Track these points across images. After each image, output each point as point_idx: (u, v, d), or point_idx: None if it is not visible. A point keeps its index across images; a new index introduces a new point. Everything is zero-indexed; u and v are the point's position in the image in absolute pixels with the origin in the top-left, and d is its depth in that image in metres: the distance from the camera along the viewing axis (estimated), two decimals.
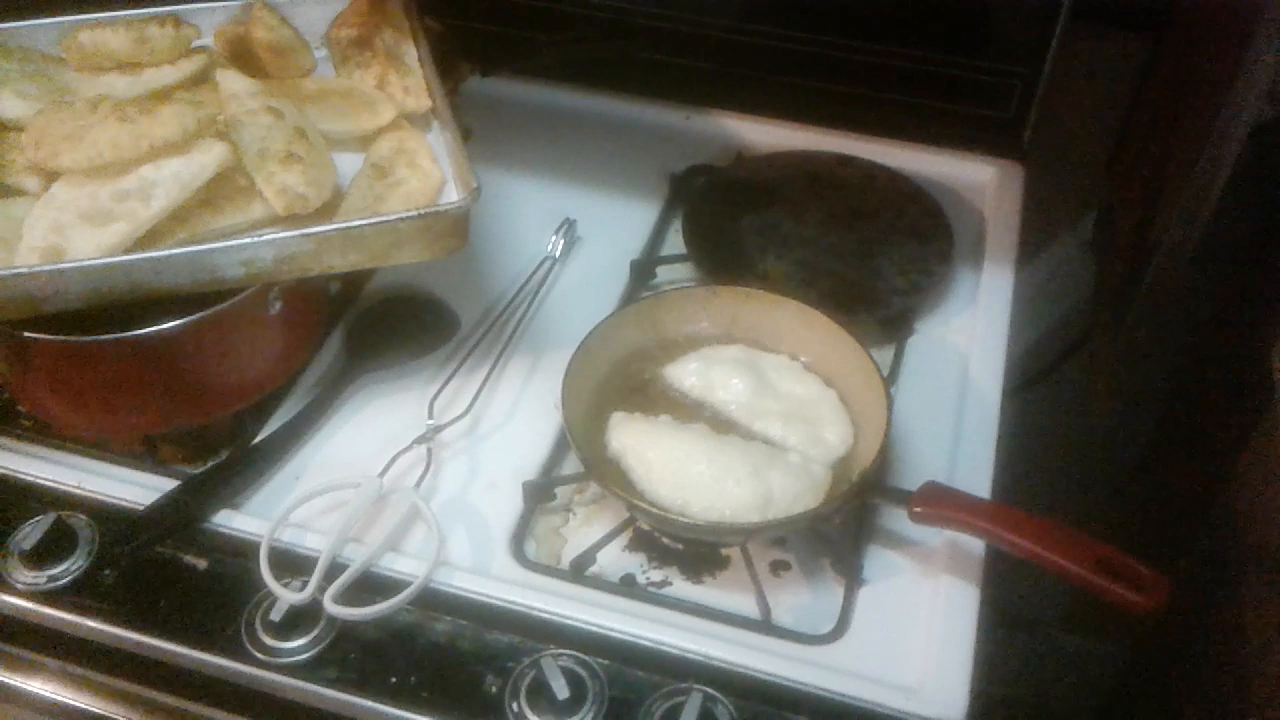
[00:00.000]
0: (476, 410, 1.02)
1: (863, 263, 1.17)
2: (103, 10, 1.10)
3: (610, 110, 1.38)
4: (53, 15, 1.11)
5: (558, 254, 1.17)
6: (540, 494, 0.97)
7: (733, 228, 1.21)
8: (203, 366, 0.95)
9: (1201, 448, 1.29)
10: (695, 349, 1.04)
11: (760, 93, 1.35)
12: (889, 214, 1.22)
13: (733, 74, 1.35)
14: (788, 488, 0.90)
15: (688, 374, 1.02)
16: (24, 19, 1.11)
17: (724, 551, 0.94)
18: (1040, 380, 1.44)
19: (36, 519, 0.91)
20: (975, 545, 0.90)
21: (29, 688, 0.94)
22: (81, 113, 0.94)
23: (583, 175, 1.29)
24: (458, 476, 0.99)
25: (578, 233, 1.21)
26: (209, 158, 0.93)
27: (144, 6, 1.11)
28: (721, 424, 0.99)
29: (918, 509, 0.88)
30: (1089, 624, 1.63)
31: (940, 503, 0.88)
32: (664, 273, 1.18)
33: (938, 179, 1.27)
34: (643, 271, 1.17)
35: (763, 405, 0.99)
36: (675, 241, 1.22)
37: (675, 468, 0.92)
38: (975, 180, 1.29)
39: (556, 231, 1.19)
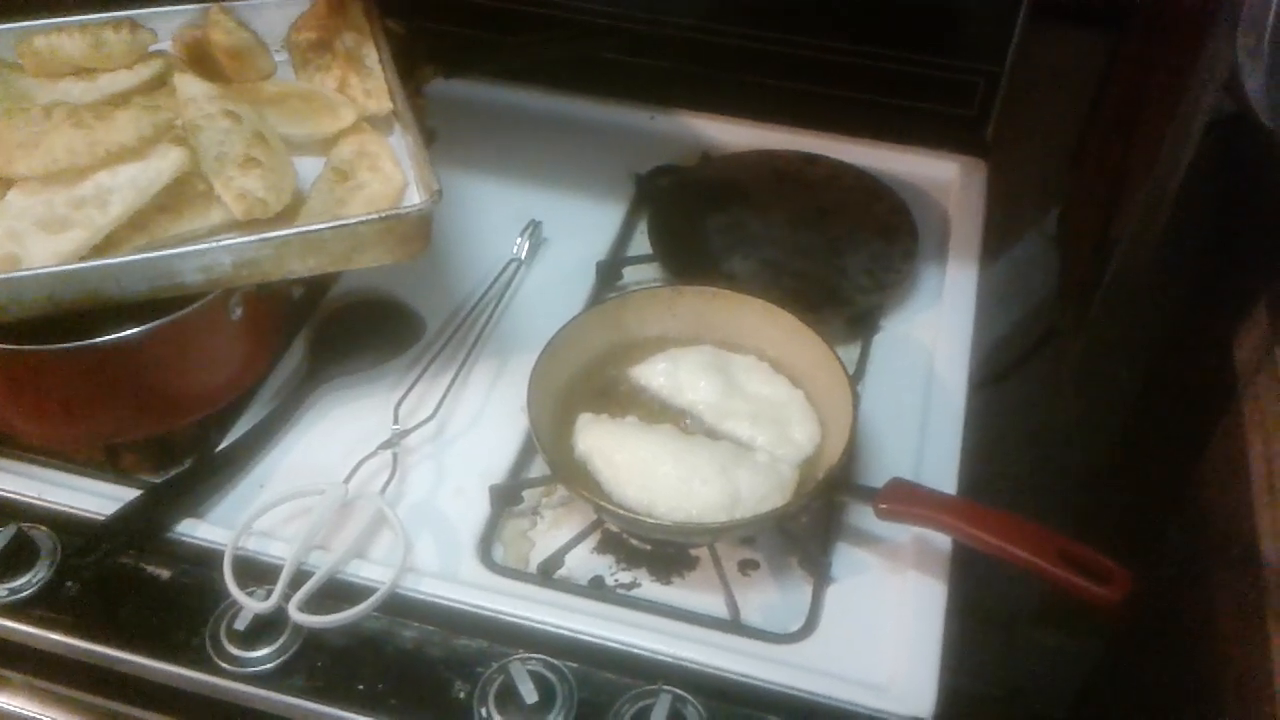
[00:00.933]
0: (442, 415, 1.01)
1: (828, 261, 1.17)
2: (58, 15, 1.09)
3: (575, 111, 1.37)
4: (7, 21, 1.10)
5: (523, 256, 1.17)
6: (507, 497, 0.96)
7: (699, 228, 1.21)
8: (164, 374, 0.94)
9: (1169, 441, 1.30)
10: (662, 349, 1.04)
11: (725, 92, 1.35)
12: (854, 212, 1.22)
13: (697, 74, 1.35)
14: (755, 487, 0.90)
15: (655, 374, 1.02)
16: None
17: (692, 552, 0.94)
18: (1007, 376, 1.44)
19: None
20: (942, 541, 0.90)
21: None
22: (36, 119, 0.93)
23: (548, 176, 1.28)
24: (424, 481, 0.98)
25: (543, 234, 1.20)
26: (166, 163, 0.92)
27: (100, 11, 1.09)
28: (689, 424, 0.99)
29: (883, 505, 0.88)
30: (1063, 620, 1.64)
31: (905, 499, 0.88)
32: (630, 273, 1.18)
33: (902, 177, 1.27)
34: (609, 273, 1.17)
35: (730, 405, 0.99)
36: (641, 242, 1.21)
37: (642, 468, 0.92)
38: (940, 178, 1.29)
39: (522, 234, 1.18)
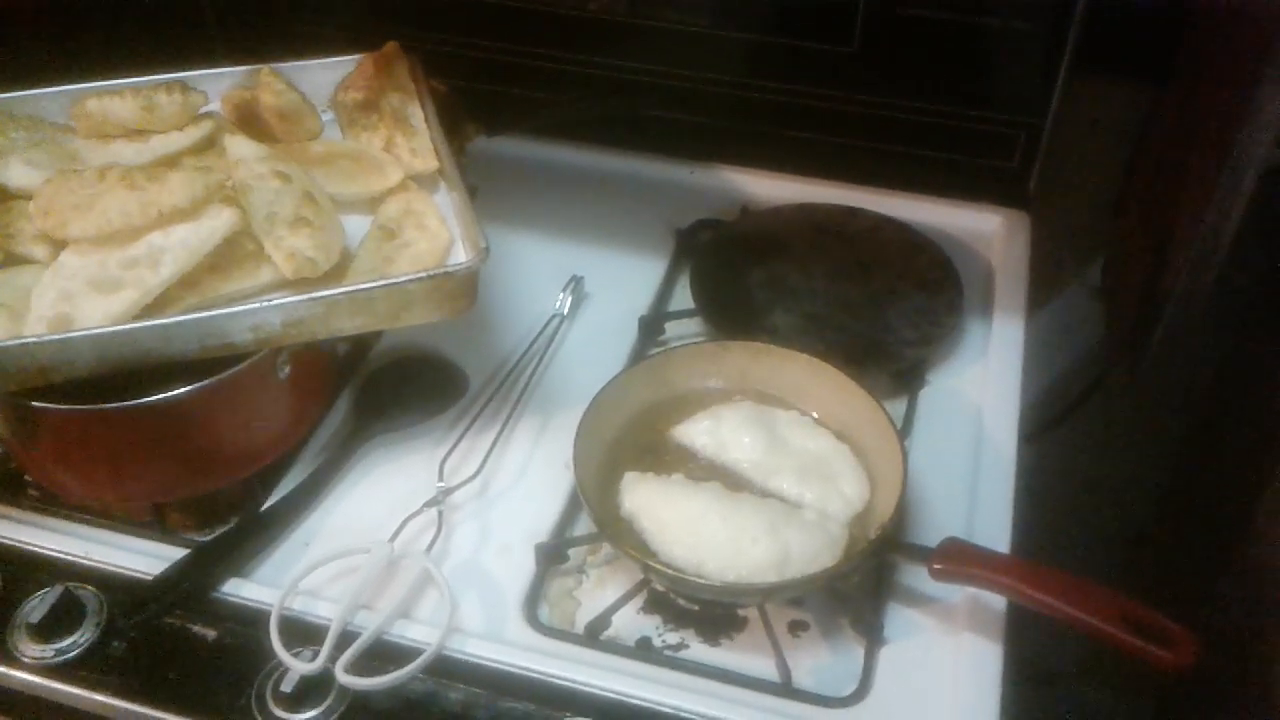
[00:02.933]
0: (487, 471, 1.01)
1: (872, 315, 1.17)
2: (110, 78, 1.11)
3: (615, 167, 1.38)
4: (60, 84, 1.12)
5: (565, 311, 1.17)
6: (553, 556, 0.95)
7: (740, 282, 1.20)
8: (211, 433, 0.94)
9: (1219, 494, 1.28)
10: (706, 406, 1.03)
11: (764, 146, 1.35)
12: (897, 265, 1.22)
13: (736, 128, 1.36)
14: (805, 546, 0.89)
15: (699, 432, 1.01)
16: (32, 88, 1.12)
17: (741, 612, 0.92)
18: (1053, 428, 1.42)
19: (44, 591, 0.90)
20: (996, 601, 0.89)
21: None
22: (90, 181, 0.94)
23: (589, 232, 1.29)
24: (469, 539, 0.97)
25: (585, 289, 1.21)
26: (217, 223, 0.93)
27: (151, 74, 1.11)
28: (735, 482, 0.98)
29: (938, 566, 0.86)
30: (1110, 677, 1.60)
31: (961, 560, 0.86)
32: (672, 328, 1.18)
33: (944, 230, 1.27)
34: (651, 327, 1.17)
35: (776, 462, 0.98)
36: (683, 297, 1.21)
37: (690, 528, 0.91)
38: (982, 230, 1.29)
39: (564, 289, 1.18)
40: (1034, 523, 1.03)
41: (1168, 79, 1.22)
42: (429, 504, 0.96)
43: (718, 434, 1.00)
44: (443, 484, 0.98)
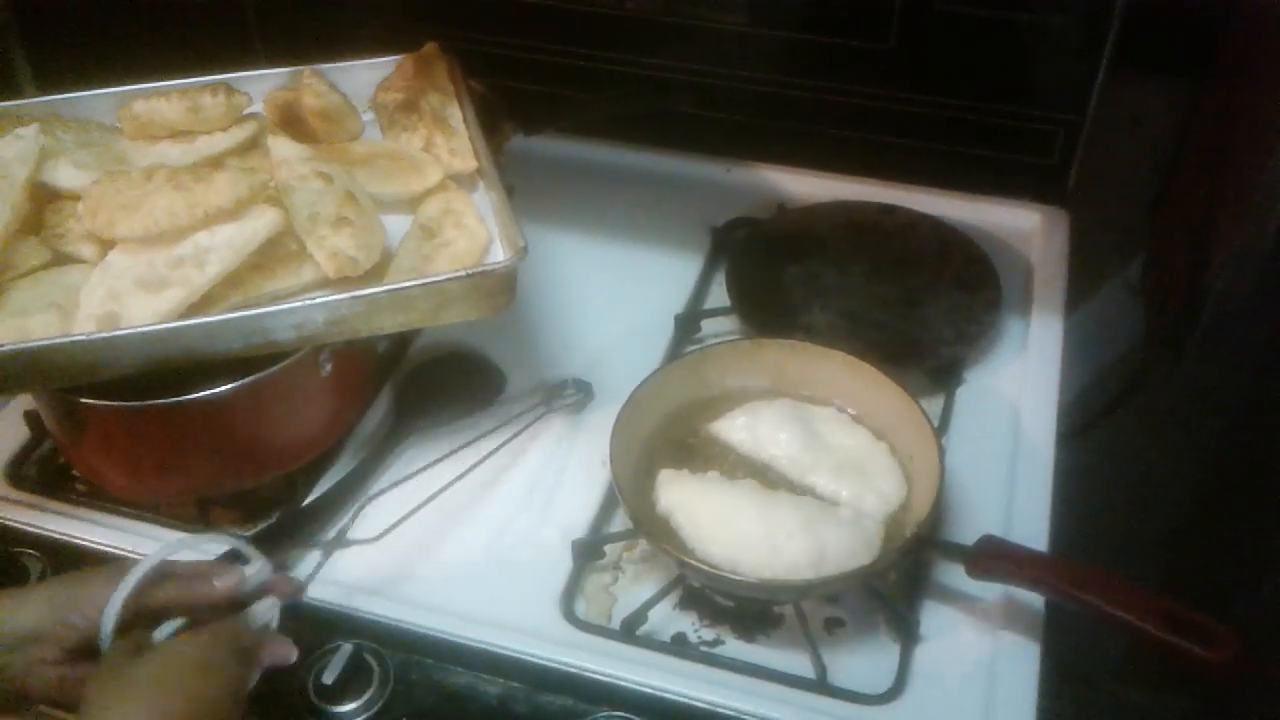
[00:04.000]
0: (524, 468, 1.02)
1: (909, 312, 1.16)
2: (155, 80, 1.13)
3: (651, 165, 1.39)
4: (107, 87, 1.14)
5: (601, 308, 1.18)
6: (590, 552, 0.96)
7: (776, 280, 1.20)
8: (255, 429, 0.96)
9: (1262, 492, 1.26)
10: (742, 403, 1.03)
11: (800, 144, 1.35)
12: (934, 263, 1.21)
13: (772, 126, 1.36)
14: (841, 543, 0.89)
15: (735, 429, 1.01)
16: (80, 90, 1.14)
17: (776, 609, 0.93)
18: (1092, 426, 1.41)
19: None
20: (1034, 600, 0.88)
21: None
22: (137, 182, 0.96)
23: (626, 230, 1.29)
24: (507, 535, 0.98)
25: (623, 287, 1.21)
26: (261, 223, 0.94)
27: (195, 76, 1.13)
28: (771, 479, 0.98)
29: (975, 564, 0.86)
30: (1148, 676, 1.59)
31: (999, 557, 0.86)
32: (708, 326, 1.18)
33: (982, 227, 1.26)
34: (687, 325, 1.17)
35: (812, 459, 0.98)
36: (719, 294, 1.21)
37: (726, 524, 0.91)
38: (1020, 227, 1.28)
39: (599, 287, 1.19)
40: (1073, 521, 1.02)
41: (1209, 76, 1.21)
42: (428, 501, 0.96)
43: (754, 430, 1.01)
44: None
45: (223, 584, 0.79)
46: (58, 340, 0.87)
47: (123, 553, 0.96)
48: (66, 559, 0.96)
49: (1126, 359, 1.40)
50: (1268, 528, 1.18)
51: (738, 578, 0.88)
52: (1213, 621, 0.77)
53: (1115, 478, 1.43)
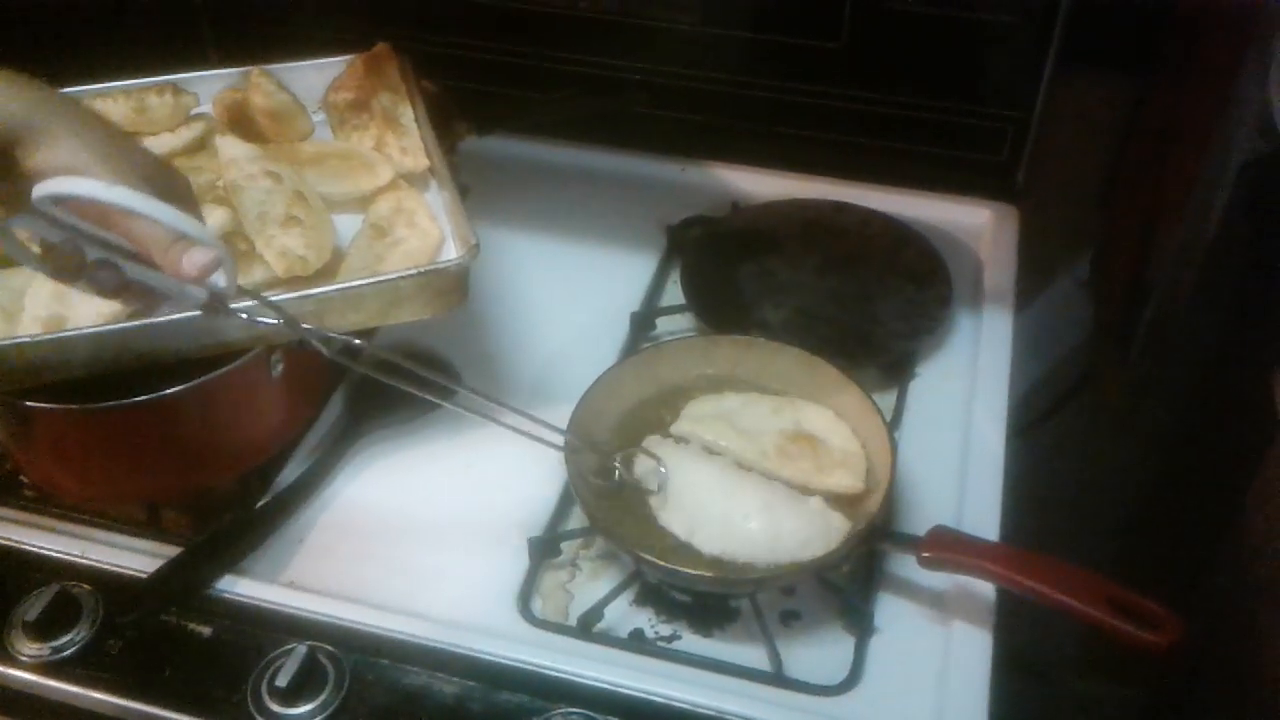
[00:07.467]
0: (480, 467, 1.02)
1: (862, 308, 1.17)
2: (102, 80, 1.11)
3: (605, 164, 1.39)
4: (53, 86, 1.12)
5: (556, 307, 1.18)
6: (546, 550, 0.96)
7: (731, 277, 1.21)
8: (206, 431, 0.95)
9: (1209, 482, 1.28)
10: (697, 398, 1.04)
11: (754, 143, 1.36)
12: (886, 259, 1.23)
13: (726, 125, 1.37)
14: (797, 531, 0.90)
15: (690, 420, 1.02)
16: None
17: (733, 604, 0.93)
18: (1044, 420, 1.43)
19: (39, 590, 0.90)
20: (987, 590, 0.89)
21: None
22: None
23: (580, 229, 1.30)
24: (462, 534, 0.98)
25: (579, 286, 1.21)
26: (209, 223, 0.93)
27: (143, 76, 1.12)
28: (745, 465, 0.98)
29: (926, 554, 0.87)
30: (1103, 667, 1.61)
31: (949, 547, 0.87)
32: (664, 323, 1.18)
33: (933, 223, 1.28)
34: (643, 323, 1.18)
35: (764, 450, 0.98)
36: (674, 293, 1.22)
37: (691, 495, 0.92)
38: (971, 224, 1.30)
39: (554, 286, 1.19)
40: (1025, 515, 1.04)
41: (1152, 73, 1.23)
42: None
43: (710, 424, 1.01)
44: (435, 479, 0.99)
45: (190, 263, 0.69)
46: (2, 342, 0.85)
47: (72, 558, 0.94)
48: (16, 566, 0.94)
49: (1076, 353, 1.42)
50: (1215, 517, 1.20)
51: (691, 572, 0.88)
52: (1157, 606, 0.79)
53: (1065, 470, 1.45)
